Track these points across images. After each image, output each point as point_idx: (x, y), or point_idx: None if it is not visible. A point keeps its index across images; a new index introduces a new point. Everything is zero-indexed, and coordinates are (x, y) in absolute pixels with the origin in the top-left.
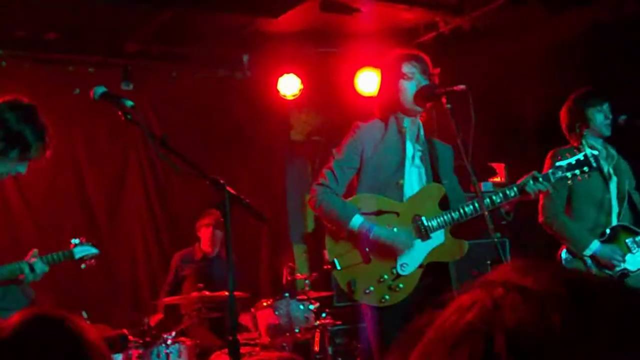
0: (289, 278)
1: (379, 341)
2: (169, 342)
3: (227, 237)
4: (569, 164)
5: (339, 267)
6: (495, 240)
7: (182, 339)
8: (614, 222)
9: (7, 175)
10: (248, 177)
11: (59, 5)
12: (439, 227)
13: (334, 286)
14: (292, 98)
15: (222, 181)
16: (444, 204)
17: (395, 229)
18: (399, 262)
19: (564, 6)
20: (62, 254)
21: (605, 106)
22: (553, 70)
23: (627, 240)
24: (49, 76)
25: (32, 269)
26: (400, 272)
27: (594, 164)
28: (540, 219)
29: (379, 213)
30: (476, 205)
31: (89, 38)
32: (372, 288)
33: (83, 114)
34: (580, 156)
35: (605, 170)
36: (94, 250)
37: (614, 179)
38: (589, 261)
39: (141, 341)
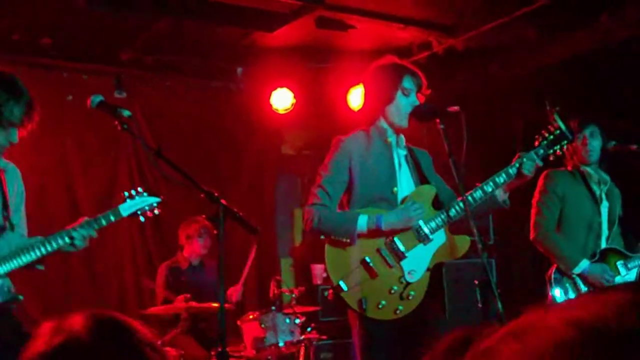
0: (275, 291)
1: (365, 355)
2: None
3: (220, 249)
4: (550, 140)
5: (345, 289)
6: (484, 260)
7: (167, 349)
8: (603, 245)
9: (2, 147)
10: (238, 188)
11: (55, 11)
12: (438, 227)
13: (321, 301)
14: (284, 112)
15: (216, 194)
16: (437, 204)
17: (399, 208)
18: (406, 270)
19: (556, 30)
20: (105, 216)
21: (587, 131)
22: (544, 92)
23: (617, 263)
24: (43, 82)
25: (70, 237)
26: (409, 280)
27: (571, 136)
28: (532, 236)
29: None
30: (472, 197)
31: (84, 45)
32: (384, 302)
33: (75, 120)
34: (557, 132)
35: (598, 193)
36: (150, 200)
37: (606, 203)
38: (578, 280)
39: None
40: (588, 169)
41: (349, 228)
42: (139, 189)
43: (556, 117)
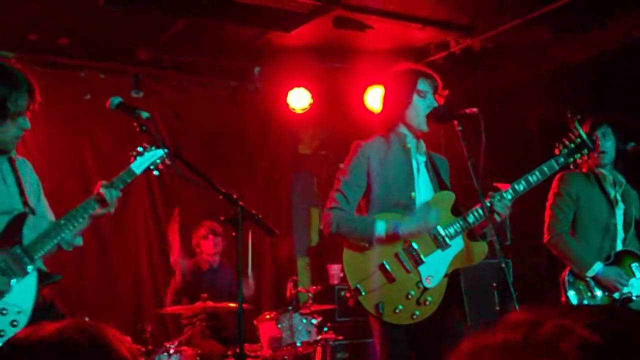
0: (292, 291)
1: (386, 359)
2: (171, 350)
3: (238, 250)
4: (570, 149)
5: (363, 293)
6: (502, 262)
7: (184, 348)
8: (619, 247)
9: (18, 137)
10: (254, 188)
11: (72, 11)
12: (456, 233)
13: (337, 301)
14: (301, 112)
15: (235, 196)
16: (456, 211)
17: (417, 213)
18: (424, 276)
19: (572, 30)
20: (119, 177)
21: (599, 132)
22: (560, 92)
23: (632, 265)
24: (60, 81)
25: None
26: (427, 286)
27: (592, 145)
28: (545, 238)
29: None
30: (484, 207)
31: (101, 44)
32: (401, 307)
33: (92, 119)
34: (577, 140)
35: (612, 195)
36: (159, 153)
37: (621, 205)
38: (592, 283)
39: (143, 349)
40: (603, 171)
41: (367, 233)
42: (145, 145)
43: (577, 125)
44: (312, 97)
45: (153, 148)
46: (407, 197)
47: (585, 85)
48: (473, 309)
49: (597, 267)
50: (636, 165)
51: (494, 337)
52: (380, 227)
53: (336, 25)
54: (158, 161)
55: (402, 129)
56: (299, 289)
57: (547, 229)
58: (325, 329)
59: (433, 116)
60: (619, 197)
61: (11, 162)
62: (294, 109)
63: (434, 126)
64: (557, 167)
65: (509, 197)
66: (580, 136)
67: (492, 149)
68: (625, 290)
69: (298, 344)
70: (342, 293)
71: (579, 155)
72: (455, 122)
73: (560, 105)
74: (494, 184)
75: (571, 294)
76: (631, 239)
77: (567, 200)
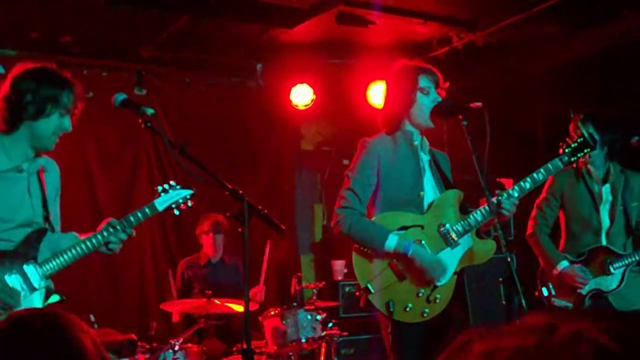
0: (297, 288)
1: (397, 357)
2: (176, 347)
3: (244, 247)
4: (573, 148)
5: (373, 291)
6: (507, 256)
7: (189, 345)
8: (603, 243)
9: (56, 135)
10: (257, 184)
11: (74, 9)
12: (465, 231)
13: (342, 297)
14: (304, 108)
15: (241, 192)
16: (463, 209)
17: (428, 249)
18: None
19: (576, 25)
20: (141, 210)
21: (584, 129)
22: (564, 87)
23: (607, 261)
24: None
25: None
26: (437, 283)
27: (593, 144)
28: (527, 233)
29: (403, 229)
30: (497, 201)
31: (104, 42)
32: (410, 305)
33: (95, 117)
34: (580, 139)
35: (597, 192)
36: (184, 193)
37: (608, 200)
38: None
39: (148, 346)
40: (591, 167)
41: (378, 243)
42: (172, 183)
43: (580, 125)
44: (315, 93)
45: (179, 187)
46: (416, 196)
47: (590, 80)
48: (479, 304)
49: (563, 264)
50: None
51: (508, 340)
52: (391, 243)
53: (339, 21)
54: (181, 201)
55: (408, 127)
56: (304, 285)
57: (528, 225)
58: (330, 324)
59: (437, 111)
60: (604, 193)
61: (39, 175)
62: (296, 105)
63: (438, 121)
64: (562, 166)
65: (516, 194)
66: (582, 135)
67: (496, 144)
68: (587, 288)
69: (303, 340)
70: (347, 289)
71: (582, 154)
72: (460, 116)
73: (565, 101)
74: (498, 179)
75: (543, 289)
76: (617, 235)
77: (550, 200)
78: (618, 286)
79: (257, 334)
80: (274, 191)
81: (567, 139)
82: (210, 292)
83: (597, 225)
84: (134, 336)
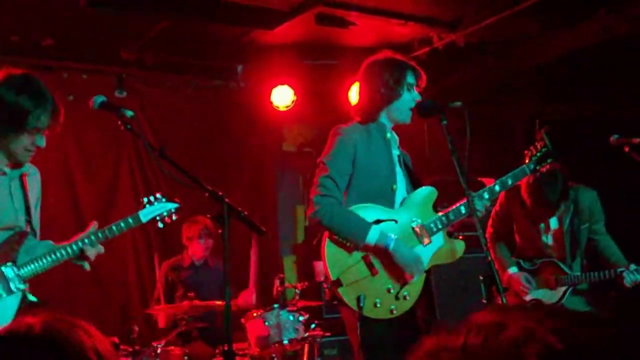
0: (279, 289)
1: (367, 355)
2: (158, 350)
3: (225, 249)
4: (538, 157)
5: (344, 284)
6: (487, 255)
7: (171, 347)
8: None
9: (30, 151)
10: (239, 186)
11: (55, 12)
12: (437, 230)
13: (324, 297)
14: (285, 109)
15: (220, 193)
16: (434, 208)
17: (415, 249)
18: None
19: (557, 24)
20: (124, 221)
21: None
22: (544, 86)
23: (556, 278)
24: (43, 82)
25: (72, 251)
26: (411, 281)
27: (555, 154)
28: (487, 232)
29: (377, 222)
30: (470, 203)
31: (84, 45)
32: (379, 300)
33: (76, 120)
34: (544, 149)
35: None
36: (169, 206)
37: (555, 227)
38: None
39: (130, 349)
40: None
41: (359, 237)
42: (158, 195)
43: (545, 136)
44: (296, 94)
45: (164, 200)
46: (389, 189)
47: (571, 79)
48: (459, 302)
49: (511, 270)
50: (620, 156)
51: (455, 339)
52: (373, 237)
53: (318, 22)
54: (165, 214)
55: (383, 119)
56: (286, 285)
57: (489, 223)
58: (313, 325)
59: (418, 110)
60: (552, 224)
61: (22, 179)
62: (277, 107)
63: (417, 120)
64: (528, 173)
65: (487, 196)
66: (546, 145)
67: (476, 144)
68: (529, 296)
69: (285, 342)
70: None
71: (544, 163)
72: (440, 115)
73: (546, 100)
74: (479, 179)
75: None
76: (565, 254)
77: (499, 214)
78: (557, 302)
79: (242, 334)
80: (255, 193)
81: (532, 147)
82: (192, 294)
83: (543, 246)
84: (116, 339)
